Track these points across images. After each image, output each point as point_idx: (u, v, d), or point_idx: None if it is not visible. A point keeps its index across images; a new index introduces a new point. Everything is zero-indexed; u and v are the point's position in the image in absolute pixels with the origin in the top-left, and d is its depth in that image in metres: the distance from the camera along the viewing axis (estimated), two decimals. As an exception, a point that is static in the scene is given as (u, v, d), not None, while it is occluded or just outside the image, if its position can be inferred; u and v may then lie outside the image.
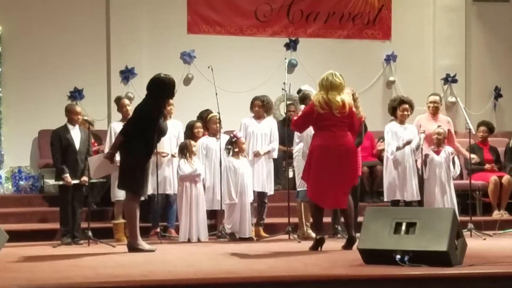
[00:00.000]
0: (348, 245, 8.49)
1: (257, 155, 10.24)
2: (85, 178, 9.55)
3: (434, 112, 10.78)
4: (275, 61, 13.24)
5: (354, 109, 8.68)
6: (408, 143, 10.25)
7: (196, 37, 13.77)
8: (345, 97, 8.52)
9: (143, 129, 8.50)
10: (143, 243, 8.61)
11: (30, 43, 13.04)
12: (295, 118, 8.85)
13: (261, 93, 10.77)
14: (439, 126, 10.55)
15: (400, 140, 10.29)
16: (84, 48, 13.19)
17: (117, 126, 10.09)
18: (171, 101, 9.66)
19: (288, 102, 11.91)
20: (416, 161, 10.37)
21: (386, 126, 10.73)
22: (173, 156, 10.28)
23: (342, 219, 9.36)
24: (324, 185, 8.38)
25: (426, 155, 10.26)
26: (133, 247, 8.53)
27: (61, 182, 9.59)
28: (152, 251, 8.52)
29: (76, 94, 13.10)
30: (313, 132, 8.78)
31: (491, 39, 14.99)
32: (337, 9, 14.33)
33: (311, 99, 9.67)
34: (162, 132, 8.74)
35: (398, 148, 10.30)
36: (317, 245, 8.45)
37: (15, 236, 9.24)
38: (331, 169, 8.34)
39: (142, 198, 9.00)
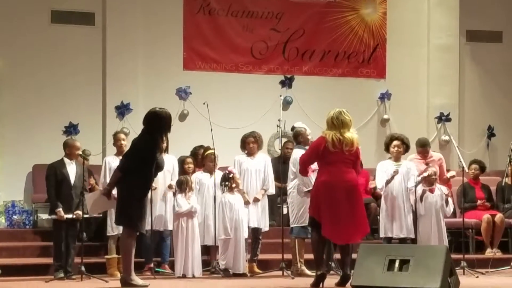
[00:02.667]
0: (342, 282, 8.47)
1: (256, 200, 10.24)
2: (78, 212, 9.52)
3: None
4: (271, 98, 13.27)
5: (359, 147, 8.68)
6: (395, 173, 10.29)
7: (192, 73, 13.82)
8: (354, 134, 8.54)
9: (140, 163, 8.47)
10: (136, 279, 8.58)
11: (26, 77, 13.06)
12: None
13: (256, 130, 10.74)
14: (428, 165, 10.67)
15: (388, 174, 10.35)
16: (80, 83, 13.22)
17: (112, 160, 10.12)
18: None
19: (283, 139, 11.96)
20: (410, 198, 10.41)
21: (379, 163, 10.78)
22: (169, 187, 10.23)
23: (335, 256, 9.34)
24: (337, 222, 8.34)
25: (424, 192, 10.30)
26: (126, 282, 8.50)
27: (54, 217, 9.55)
28: (146, 286, 8.49)
29: (71, 129, 13.08)
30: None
31: (485, 78, 15.12)
32: (332, 47, 14.42)
33: (304, 137, 9.84)
34: (159, 167, 8.72)
35: (387, 182, 10.34)
36: (319, 281, 8.39)
37: (8, 271, 9.24)
38: (341, 205, 8.33)
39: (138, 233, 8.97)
